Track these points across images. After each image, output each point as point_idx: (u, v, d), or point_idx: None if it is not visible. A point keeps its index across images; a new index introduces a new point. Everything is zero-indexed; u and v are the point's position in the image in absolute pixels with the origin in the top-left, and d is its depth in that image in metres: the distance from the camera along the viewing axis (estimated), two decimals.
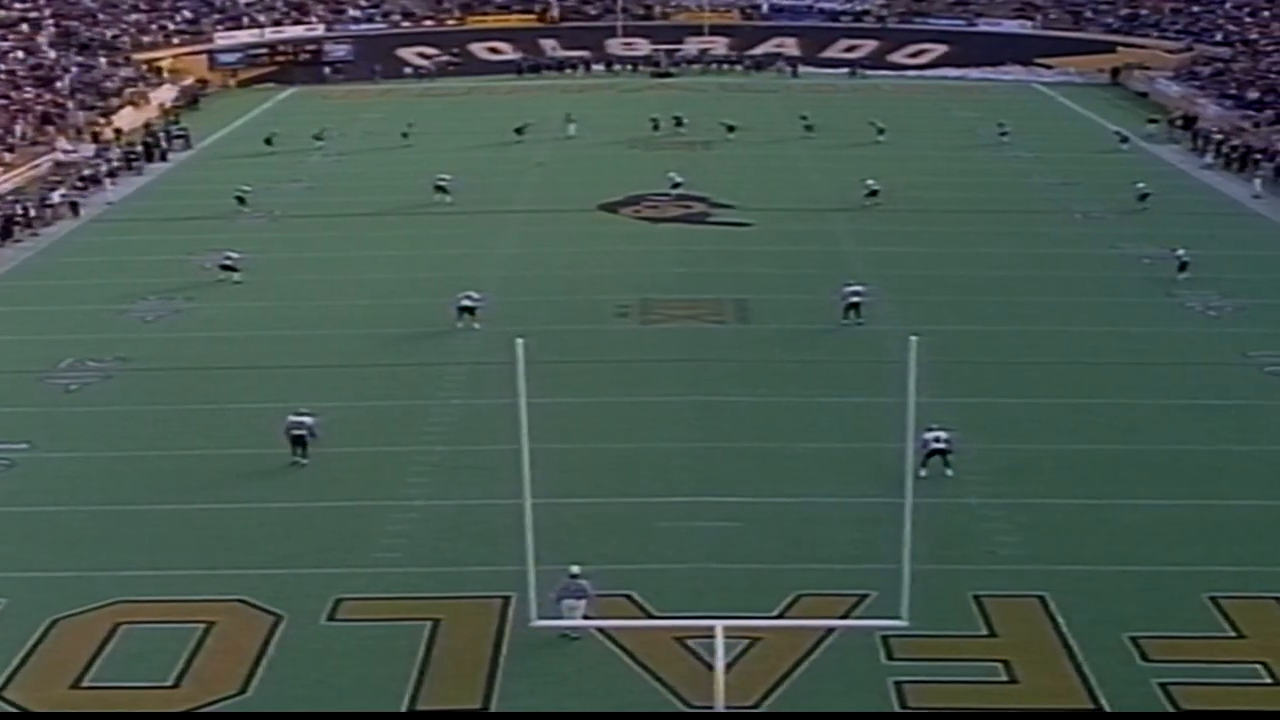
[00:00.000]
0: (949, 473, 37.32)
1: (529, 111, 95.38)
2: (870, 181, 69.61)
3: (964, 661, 29.13)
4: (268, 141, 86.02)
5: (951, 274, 57.29)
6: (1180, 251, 56.44)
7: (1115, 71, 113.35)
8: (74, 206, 70.68)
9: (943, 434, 37.43)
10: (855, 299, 50.61)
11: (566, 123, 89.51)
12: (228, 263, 57.67)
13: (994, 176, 77.38)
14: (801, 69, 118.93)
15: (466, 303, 50.86)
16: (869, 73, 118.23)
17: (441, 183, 70.97)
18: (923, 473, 36.64)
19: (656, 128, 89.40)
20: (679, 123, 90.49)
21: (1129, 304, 53.96)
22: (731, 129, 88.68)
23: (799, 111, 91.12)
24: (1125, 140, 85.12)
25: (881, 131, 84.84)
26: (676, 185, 71.80)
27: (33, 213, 68.46)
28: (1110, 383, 45.52)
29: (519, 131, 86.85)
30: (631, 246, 63.15)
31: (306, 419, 39.16)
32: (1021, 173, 77.71)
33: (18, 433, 41.91)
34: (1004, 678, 28.60)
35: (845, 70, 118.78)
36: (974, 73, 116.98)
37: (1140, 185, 69.31)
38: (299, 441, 39.00)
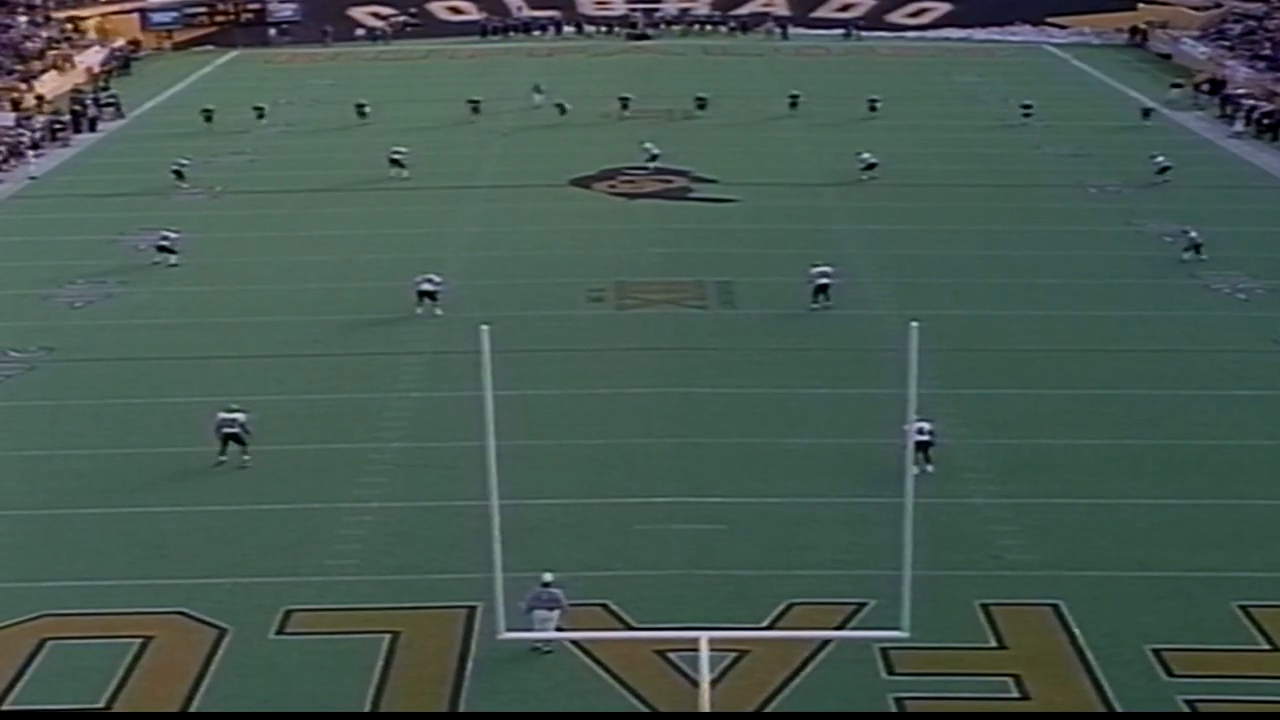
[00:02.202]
0: (930, 468, 37.22)
1: (490, 80, 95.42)
2: (866, 155, 69.60)
3: (971, 676, 29.17)
4: (207, 119, 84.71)
5: (953, 254, 57.40)
6: (1193, 233, 56.49)
7: (1135, 31, 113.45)
8: None
9: (925, 425, 36.99)
10: (824, 280, 50.71)
11: (534, 93, 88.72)
12: (164, 243, 57.47)
13: (1000, 148, 77.55)
14: (792, 30, 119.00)
15: (427, 286, 50.73)
16: (865, 34, 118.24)
17: (397, 156, 71.02)
18: (926, 469, 36.81)
19: (625, 107, 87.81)
20: (625, 105, 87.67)
21: (1147, 286, 54.15)
22: (702, 104, 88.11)
23: (789, 89, 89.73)
24: (1148, 114, 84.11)
25: (874, 108, 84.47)
26: (654, 158, 71.69)
27: None
28: (1127, 372, 45.65)
29: (474, 109, 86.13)
30: (606, 225, 63.22)
31: (238, 415, 38.88)
32: (1030, 144, 77.87)
33: None
34: (1015, 693, 28.66)
35: (840, 31, 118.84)
36: (979, 33, 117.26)
37: (1159, 158, 69.41)
38: (232, 440, 38.81)
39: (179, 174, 70.50)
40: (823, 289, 50.64)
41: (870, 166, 68.84)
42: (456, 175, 70.88)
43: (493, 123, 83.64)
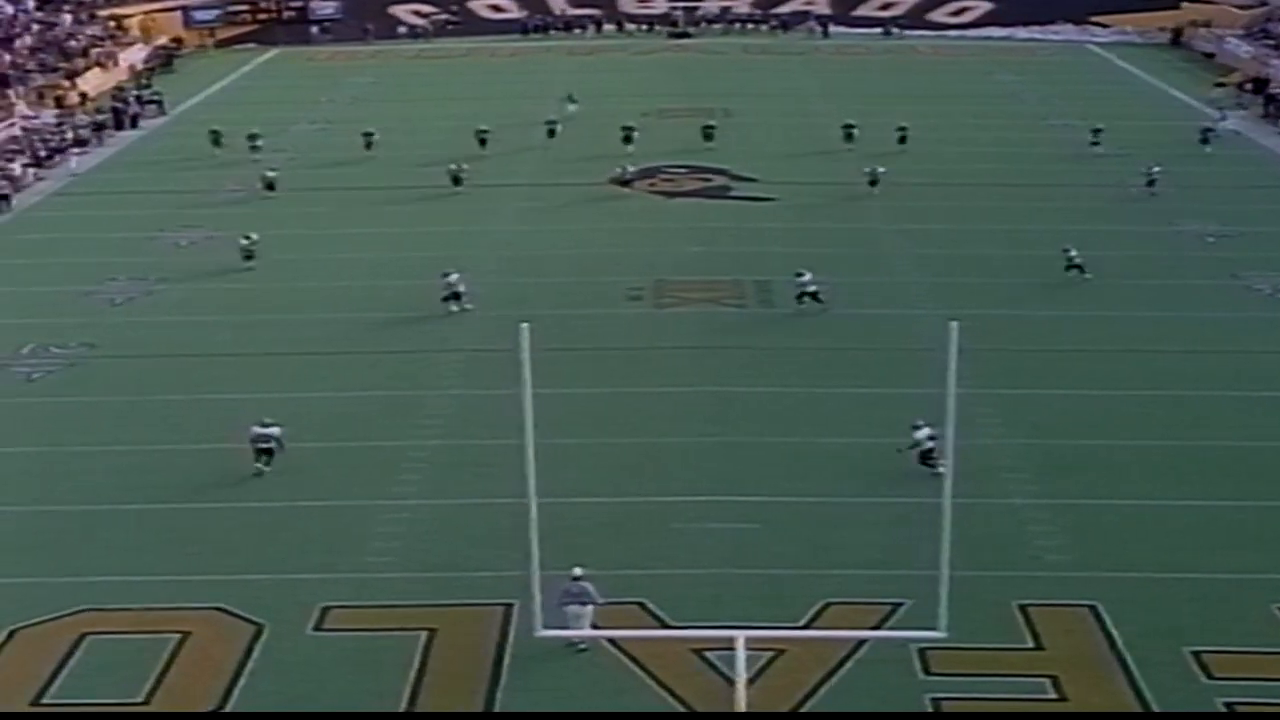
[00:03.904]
0: (942, 468, 37.06)
1: (527, 81, 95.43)
2: (880, 168, 67.65)
3: (1008, 676, 29.14)
4: (215, 142, 77.95)
5: (992, 254, 57.19)
6: (1073, 252, 54.45)
7: (1178, 31, 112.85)
8: (3, 199, 67.57)
9: (930, 429, 37.06)
10: (812, 288, 50.45)
11: (566, 103, 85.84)
12: (249, 249, 56.85)
13: (1040, 147, 77.15)
14: (833, 29, 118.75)
15: (453, 286, 50.98)
16: (906, 33, 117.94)
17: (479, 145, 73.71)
18: (938, 471, 36.84)
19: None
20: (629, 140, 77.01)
21: (1188, 286, 53.88)
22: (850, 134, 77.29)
23: (843, 115, 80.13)
24: (1207, 140, 75.85)
25: (904, 140, 76.25)
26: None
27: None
28: (1167, 372, 45.53)
29: (482, 142, 75.64)
30: (645, 223, 63.19)
31: (273, 430, 38.53)
32: (1071, 143, 77.41)
33: None
34: (1052, 694, 28.62)
35: (879, 30, 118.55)
36: (1021, 32, 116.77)
37: (1156, 168, 67.11)
38: (264, 454, 38.48)
39: (225, 142, 75.81)
40: (812, 295, 50.40)
41: (874, 182, 66.53)
42: (498, 174, 70.74)
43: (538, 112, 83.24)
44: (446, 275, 50.94)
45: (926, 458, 37.22)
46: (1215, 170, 70.12)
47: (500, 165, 72.05)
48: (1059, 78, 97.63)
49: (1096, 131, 74.56)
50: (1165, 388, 44.15)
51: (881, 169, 66.67)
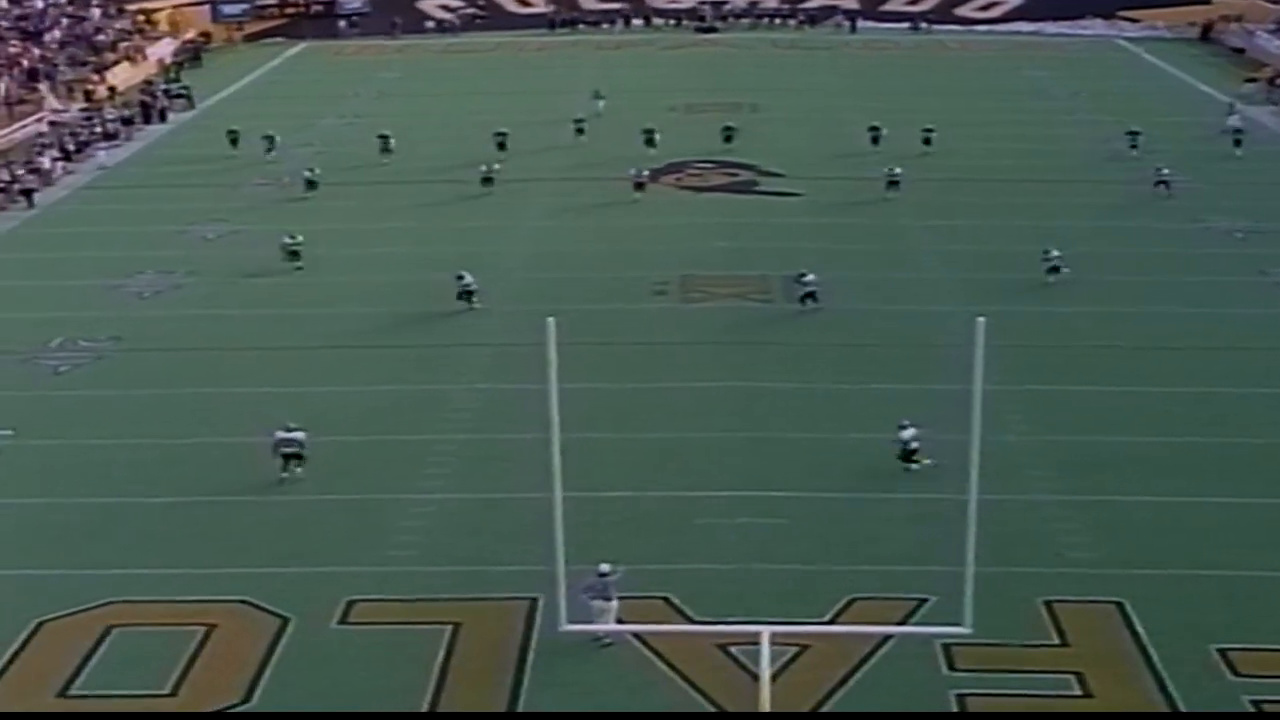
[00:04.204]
0: (930, 462, 37.35)
1: (554, 76, 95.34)
2: (897, 170, 66.35)
3: (1033, 673, 29.09)
4: (233, 142, 76.93)
5: (1018, 250, 56.89)
6: (1054, 252, 53.57)
7: (1208, 26, 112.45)
8: (27, 194, 67.30)
9: (915, 429, 37.46)
10: (812, 289, 50.24)
11: (594, 99, 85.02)
12: (292, 246, 56.22)
13: (1068, 143, 77.00)
14: (860, 24, 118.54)
15: (466, 287, 50.92)
16: (934, 28, 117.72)
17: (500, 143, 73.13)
18: (913, 467, 37.46)
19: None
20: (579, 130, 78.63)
21: (1215, 282, 53.64)
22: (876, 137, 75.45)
23: (870, 118, 78.08)
24: (1239, 142, 74.11)
25: (929, 141, 73.70)
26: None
27: (21, 173, 68.79)
28: (1193, 369, 45.42)
29: (501, 145, 73.89)
30: (671, 218, 63.13)
31: (297, 434, 37.91)
32: (1100, 139, 77.22)
33: (2, 418, 42.22)
34: (1077, 691, 28.60)
35: (907, 25, 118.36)
36: (1050, 27, 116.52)
37: (1165, 170, 65.70)
38: (292, 458, 37.84)
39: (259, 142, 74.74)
40: (811, 295, 50.17)
41: (893, 183, 65.36)
42: (523, 168, 70.68)
43: (565, 109, 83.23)
44: (461, 277, 50.76)
45: (910, 456, 37.40)
46: (1245, 166, 69.95)
47: (529, 163, 71.84)
48: (1088, 73, 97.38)
49: (1134, 134, 73.13)
50: (1191, 384, 44.05)
51: (899, 169, 65.78)
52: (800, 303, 50.07)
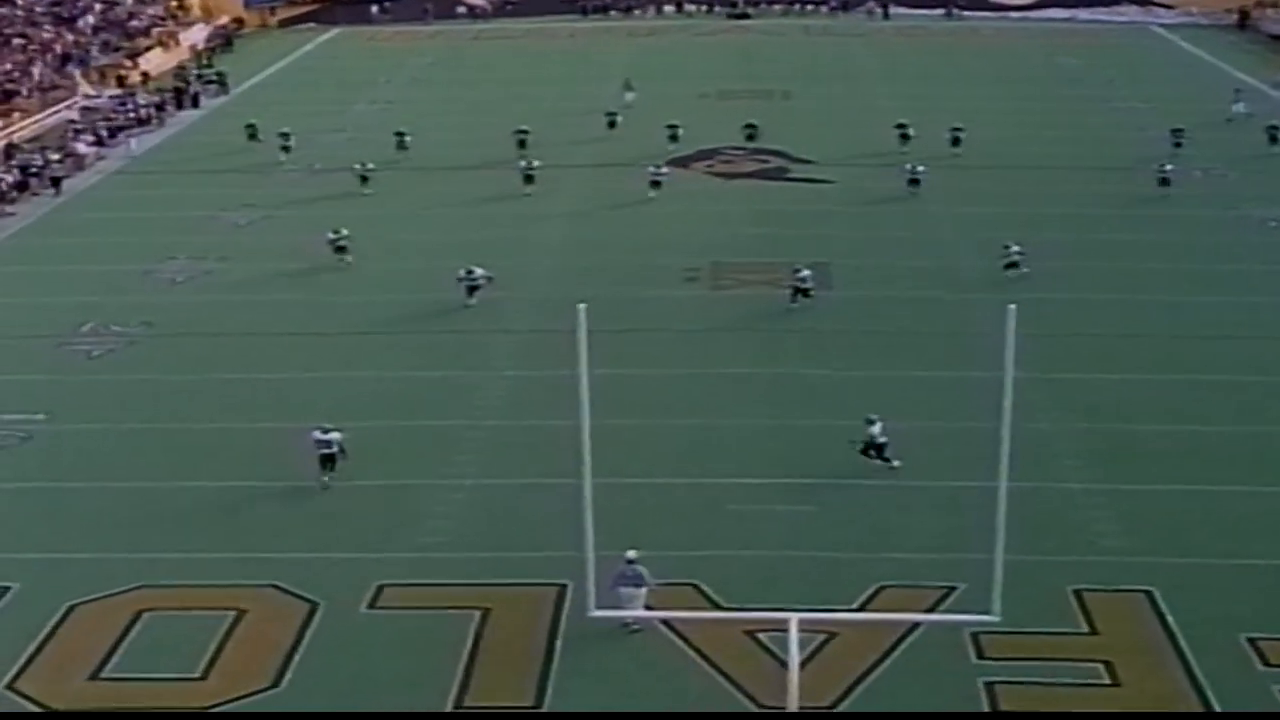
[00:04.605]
0: (896, 464, 37.25)
1: (583, 64, 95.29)
2: (920, 168, 65.30)
3: (1062, 661, 29.11)
4: (251, 136, 75.63)
5: (1050, 237, 56.80)
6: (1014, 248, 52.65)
7: (1244, 13, 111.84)
8: (56, 181, 67.35)
9: (882, 424, 37.36)
10: (806, 285, 49.47)
11: (625, 90, 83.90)
12: (339, 242, 55.25)
13: (1102, 131, 76.69)
14: (893, 10, 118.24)
15: (470, 280, 50.21)
16: (966, 13, 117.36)
17: (523, 135, 71.26)
18: (891, 465, 37.18)
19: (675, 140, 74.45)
20: (612, 124, 77.05)
21: (1250, 271, 53.56)
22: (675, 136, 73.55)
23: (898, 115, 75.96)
24: (1275, 139, 71.38)
25: (958, 141, 71.06)
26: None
27: (54, 159, 69.09)
28: (1226, 358, 45.22)
29: (521, 144, 71.17)
30: (703, 205, 63.16)
31: (333, 435, 36.95)
32: (1135, 126, 76.99)
33: (35, 403, 42.50)
34: (1106, 680, 28.58)
35: (940, 11, 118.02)
36: (1084, 13, 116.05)
37: (1169, 167, 64.64)
38: (328, 461, 36.89)
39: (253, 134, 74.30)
40: (804, 291, 49.38)
41: (914, 181, 63.83)
42: (555, 154, 70.63)
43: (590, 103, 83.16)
44: (470, 272, 50.17)
45: (879, 452, 37.21)
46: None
47: (561, 153, 71.54)
48: (1122, 61, 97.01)
49: (1178, 131, 71.00)
50: (1224, 373, 43.87)
51: (922, 168, 64.48)
52: (791, 299, 49.44)
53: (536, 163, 66.27)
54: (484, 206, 63.00)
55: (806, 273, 49.58)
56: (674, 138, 72.32)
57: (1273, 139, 71.08)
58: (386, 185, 66.14)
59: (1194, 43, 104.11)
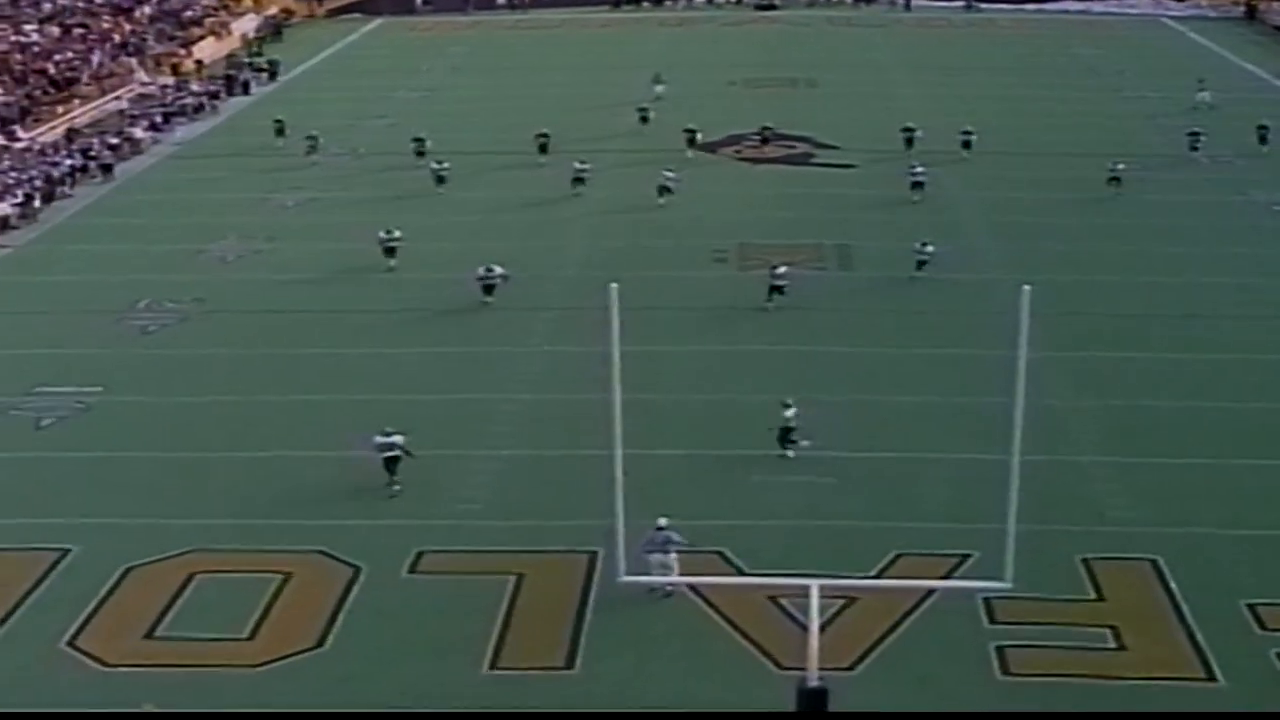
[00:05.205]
0: (790, 454, 36.82)
1: (618, 54, 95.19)
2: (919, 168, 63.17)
3: (1070, 626, 29.24)
4: (279, 131, 72.79)
5: (1064, 222, 56.84)
6: (929, 246, 51.28)
7: (1250, 6, 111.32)
8: (107, 168, 67.03)
9: (795, 409, 37.04)
10: (781, 282, 47.89)
11: (654, 84, 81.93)
12: (390, 243, 52.47)
13: (1115, 119, 76.32)
14: (914, 2, 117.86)
15: (487, 278, 48.47)
16: (985, 6, 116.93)
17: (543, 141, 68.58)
18: (790, 454, 36.77)
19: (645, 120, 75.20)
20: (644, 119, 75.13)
21: (1256, 255, 53.45)
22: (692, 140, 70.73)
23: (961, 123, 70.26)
24: (1264, 140, 68.80)
25: (968, 145, 67.61)
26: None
27: (112, 144, 69.39)
28: (1232, 338, 45.22)
29: (543, 149, 68.14)
30: (730, 188, 63.14)
31: (396, 438, 35.36)
32: (1145, 114, 76.77)
33: (93, 376, 42.78)
34: (1112, 644, 28.73)
35: (961, 4, 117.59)
36: (1098, 6, 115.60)
37: (1120, 165, 62.13)
38: (392, 464, 35.42)
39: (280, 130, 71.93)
40: (779, 289, 47.89)
41: (916, 185, 60.95)
42: (588, 140, 70.59)
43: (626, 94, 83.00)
44: (490, 270, 48.59)
45: (787, 436, 36.89)
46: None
47: (593, 144, 71.42)
48: (1134, 51, 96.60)
49: (1195, 135, 68.11)
50: (1230, 353, 43.84)
51: (922, 169, 61.51)
52: (768, 297, 47.80)
53: (583, 164, 62.78)
54: (520, 188, 62.81)
55: (783, 269, 48.20)
56: (692, 141, 69.15)
57: (1262, 139, 68.70)
58: (425, 169, 65.92)
59: (1202, 34, 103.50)
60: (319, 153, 69.08)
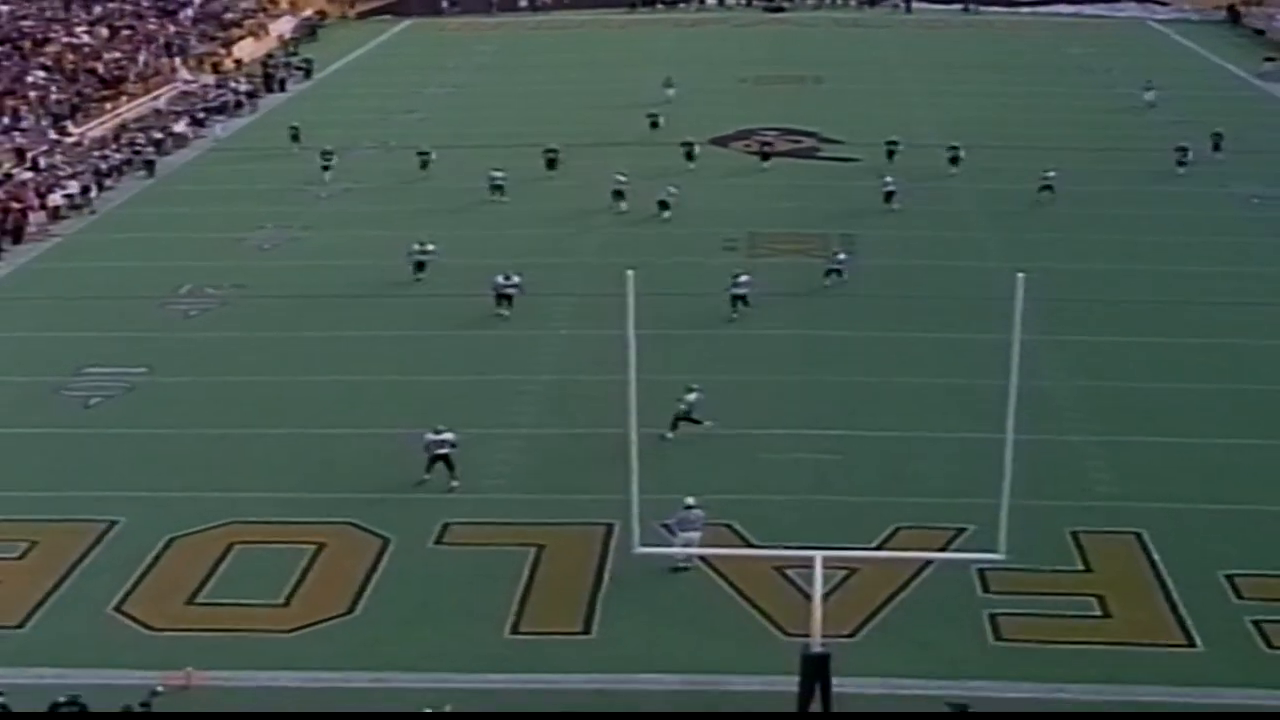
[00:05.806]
0: (670, 436, 36.08)
1: (634, 54, 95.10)
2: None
3: (1059, 596, 29.27)
4: (294, 138, 70.26)
5: (1059, 212, 56.79)
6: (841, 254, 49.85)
7: (1232, 10, 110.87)
8: (149, 164, 65.92)
9: (698, 394, 36.65)
10: (742, 290, 46.11)
11: (665, 88, 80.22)
12: (421, 257, 49.82)
13: (1104, 115, 76.13)
14: (915, 4, 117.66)
15: (505, 288, 46.11)
16: (982, 8, 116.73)
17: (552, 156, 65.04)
18: (669, 435, 36.04)
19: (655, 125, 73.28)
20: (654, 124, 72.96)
21: (1238, 243, 53.44)
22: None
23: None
24: (1219, 148, 65.95)
25: (956, 160, 63.78)
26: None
27: (156, 138, 69.47)
28: (1216, 322, 45.17)
29: (551, 164, 64.29)
30: (741, 180, 63.10)
31: (447, 436, 34.17)
32: (1133, 110, 76.57)
33: (138, 357, 42.84)
34: (1098, 612, 28.79)
35: (959, 6, 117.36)
36: (1088, 8, 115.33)
37: (1051, 172, 59.43)
38: (442, 461, 34.12)
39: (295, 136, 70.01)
40: (742, 299, 46.01)
41: (890, 195, 58.56)
42: (604, 133, 70.55)
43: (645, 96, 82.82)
44: (509, 278, 46.19)
45: (687, 418, 36.43)
46: (1265, 137, 69.16)
47: (608, 141, 71.44)
48: (1123, 51, 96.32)
49: (1182, 150, 64.23)
50: (1215, 337, 43.85)
51: (889, 178, 59.23)
52: (732, 306, 45.77)
53: (624, 178, 58.48)
54: (540, 179, 62.66)
55: (745, 278, 46.41)
56: (689, 156, 65.44)
57: (1216, 146, 66.12)
58: (455, 160, 65.85)
59: (1186, 36, 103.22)
60: (329, 171, 64.14)
